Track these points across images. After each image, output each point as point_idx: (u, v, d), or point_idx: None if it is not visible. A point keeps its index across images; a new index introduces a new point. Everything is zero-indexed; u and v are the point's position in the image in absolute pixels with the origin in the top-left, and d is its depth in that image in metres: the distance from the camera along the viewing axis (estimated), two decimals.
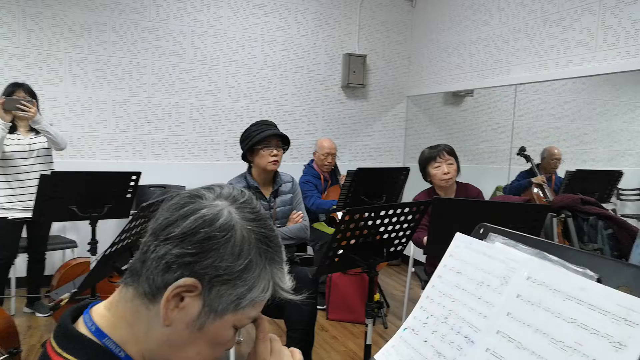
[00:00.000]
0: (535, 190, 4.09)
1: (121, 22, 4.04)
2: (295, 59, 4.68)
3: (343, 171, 3.93)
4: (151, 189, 4.08)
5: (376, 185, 3.47)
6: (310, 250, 4.15)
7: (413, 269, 3.36)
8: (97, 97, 4.04)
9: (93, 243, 2.76)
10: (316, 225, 3.87)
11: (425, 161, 2.83)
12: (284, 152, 2.55)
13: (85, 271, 2.83)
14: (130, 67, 4.11)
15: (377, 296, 3.58)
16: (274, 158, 2.48)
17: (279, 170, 2.62)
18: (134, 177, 2.74)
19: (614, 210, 4.32)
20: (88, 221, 2.72)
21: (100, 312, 0.75)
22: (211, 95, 4.40)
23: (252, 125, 2.54)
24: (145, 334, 0.72)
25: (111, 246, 1.90)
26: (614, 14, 2.89)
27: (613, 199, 4.54)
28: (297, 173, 3.87)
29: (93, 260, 2.72)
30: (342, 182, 3.67)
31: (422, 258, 3.02)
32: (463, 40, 4.28)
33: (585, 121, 5.34)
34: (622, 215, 4.50)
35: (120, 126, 4.14)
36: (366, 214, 1.94)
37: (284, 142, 2.54)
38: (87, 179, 2.67)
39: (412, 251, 3.36)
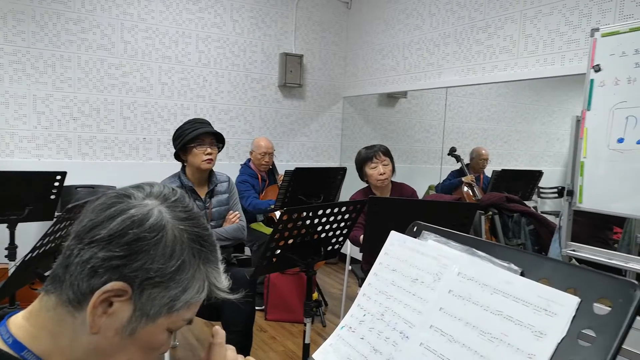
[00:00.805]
0: (465, 189, 4.29)
1: (42, 12, 3.79)
2: (231, 57, 4.61)
3: (281, 171, 3.92)
4: (78, 189, 3.86)
5: (314, 184, 3.49)
6: (248, 251, 4.11)
7: (350, 267, 3.41)
8: (14, 91, 3.76)
9: (11, 248, 2.57)
10: (254, 225, 3.83)
11: (362, 161, 2.89)
12: (219, 151, 2.50)
13: (3, 278, 2.63)
14: (53, 60, 3.87)
15: (315, 295, 3.60)
16: (208, 157, 2.42)
17: (214, 169, 2.57)
18: (58, 177, 2.58)
19: (535, 207, 4.61)
20: (6, 225, 2.53)
21: (18, 322, 0.70)
22: (143, 92, 4.23)
23: (185, 123, 2.48)
24: (70, 343, 0.68)
25: (32, 251, 1.78)
26: (533, 24, 3.09)
27: (534, 197, 4.85)
28: (233, 172, 3.81)
29: (12, 266, 2.54)
30: (280, 182, 3.66)
31: (359, 256, 3.07)
32: (397, 43, 4.40)
33: (509, 123, 5.66)
34: (542, 212, 4.81)
35: (43, 123, 3.88)
36: (304, 214, 1.95)
37: (218, 140, 2.49)
38: (3, 179, 2.48)
39: (349, 249, 3.41)
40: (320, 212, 2.00)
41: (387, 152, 2.88)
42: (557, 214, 3.59)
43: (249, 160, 4.01)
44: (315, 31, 5.01)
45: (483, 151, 4.58)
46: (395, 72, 4.44)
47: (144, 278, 0.66)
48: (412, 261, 0.95)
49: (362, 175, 2.92)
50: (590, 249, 2.51)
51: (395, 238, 1.03)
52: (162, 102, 4.32)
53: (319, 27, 5.02)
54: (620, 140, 2.25)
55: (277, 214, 3.51)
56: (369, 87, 4.82)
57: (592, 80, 2.36)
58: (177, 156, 2.49)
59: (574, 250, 2.51)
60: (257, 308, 3.59)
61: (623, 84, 2.23)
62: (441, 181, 4.54)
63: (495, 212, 3.63)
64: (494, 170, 4.23)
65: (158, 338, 0.71)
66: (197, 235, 0.72)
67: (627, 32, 2.22)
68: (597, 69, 2.34)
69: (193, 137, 2.38)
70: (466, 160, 4.52)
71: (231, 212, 2.58)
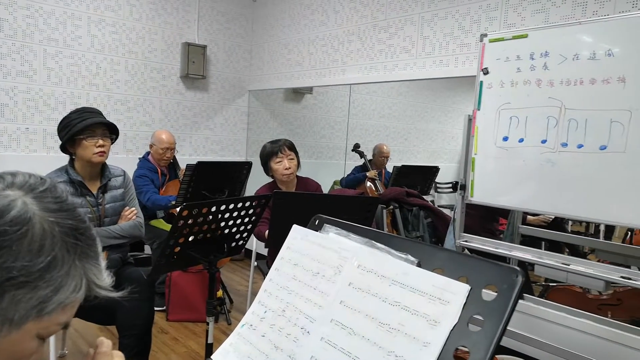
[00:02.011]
0: (369, 184, 4.42)
1: None
2: (128, 43, 4.33)
3: (183, 165, 3.76)
4: None
5: (218, 179, 3.40)
6: (148, 250, 3.89)
7: (256, 263, 3.37)
8: None
9: None
10: (154, 222, 3.64)
11: (267, 156, 2.86)
12: (112, 143, 2.33)
13: None
14: None
15: (220, 293, 3.51)
16: (100, 149, 2.24)
17: (108, 163, 2.38)
18: None
19: (432, 201, 4.89)
20: None
21: None
22: (25, 76, 3.83)
23: (72, 112, 2.26)
24: None
25: None
26: (430, 27, 3.26)
27: (432, 191, 5.14)
28: (131, 166, 3.59)
29: None
30: (182, 177, 3.51)
31: (265, 252, 3.04)
32: (302, 38, 4.41)
33: (409, 121, 5.94)
34: (439, 206, 5.12)
35: None
36: (205, 209, 1.87)
37: (111, 131, 2.31)
38: None
39: (255, 245, 3.36)
40: (223, 207, 1.94)
41: (292, 147, 2.87)
42: (452, 207, 3.83)
43: (147, 153, 3.79)
44: (219, 22, 4.86)
45: (385, 148, 4.75)
46: (301, 67, 4.45)
47: (4, 278, 0.58)
48: (313, 255, 0.95)
49: (267, 169, 2.89)
50: (480, 239, 2.70)
51: (297, 232, 1.02)
52: (49, 89, 3.94)
53: (223, 18, 4.89)
54: (505, 139, 2.44)
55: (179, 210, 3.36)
56: (275, 81, 4.79)
57: (481, 82, 2.53)
58: (64, 148, 2.28)
59: (466, 241, 2.69)
60: (157, 309, 3.42)
61: (507, 87, 2.42)
62: (345, 176, 4.65)
63: (396, 206, 3.78)
64: (394, 166, 4.42)
65: (25, 347, 0.62)
66: (72, 228, 0.64)
67: (511, 39, 2.41)
68: (486, 71, 2.52)
69: (82, 127, 2.19)
70: (369, 156, 4.67)
71: (127, 208, 2.41)
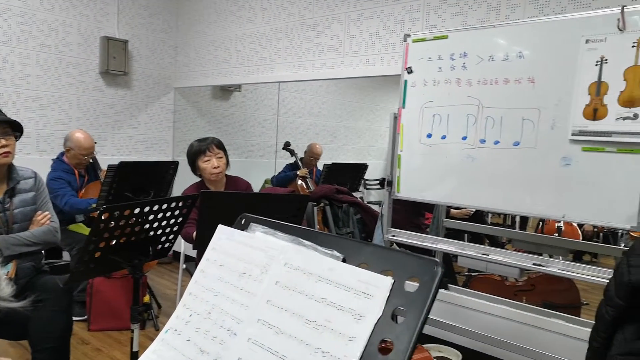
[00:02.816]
0: (300, 182, 4.43)
1: None
2: (40, 36, 4.03)
3: (104, 165, 3.56)
4: None
5: (143, 180, 3.26)
6: (67, 256, 3.65)
7: (184, 266, 3.27)
8: None
9: None
10: (72, 227, 3.42)
11: (195, 155, 2.77)
12: (16, 140, 2.15)
13: None
14: None
15: (146, 298, 3.36)
16: (4, 149, 2.07)
17: (15, 164, 2.20)
18: None
19: (361, 198, 4.99)
20: None
21: None
22: None
23: None
24: None
25: None
26: (356, 26, 3.32)
27: (361, 188, 5.25)
28: (45, 168, 3.34)
29: None
30: (103, 178, 3.32)
31: (194, 254, 2.95)
32: (229, 35, 4.33)
33: (338, 120, 6.03)
34: (368, 202, 5.24)
35: None
36: (128, 211, 1.78)
37: (14, 129, 2.14)
38: None
39: (183, 247, 3.26)
40: (147, 208, 1.85)
41: (220, 145, 2.81)
42: (380, 203, 3.93)
43: (62, 154, 3.54)
44: (141, 16, 4.66)
45: (317, 147, 4.79)
46: (228, 64, 4.37)
47: None
48: (240, 255, 0.93)
49: (195, 169, 2.81)
50: (407, 233, 2.79)
51: (222, 232, 0.99)
52: None
53: (146, 12, 4.69)
54: (429, 136, 2.54)
55: None
56: (202, 78, 4.67)
57: (405, 81, 2.62)
58: None
59: (394, 236, 2.77)
60: (77, 319, 3.22)
61: (430, 86, 2.52)
62: (276, 174, 4.63)
63: (327, 203, 3.82)
64: (325, 164, 4.46)
65: None
66: None
67: (432, 40, 2.51)
68: (410, 71, 2.60)
69: None
70: (300, 154, 4.69)
71: (39, 212, 2.24)
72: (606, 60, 1.96)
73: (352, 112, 6.20)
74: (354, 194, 4.22)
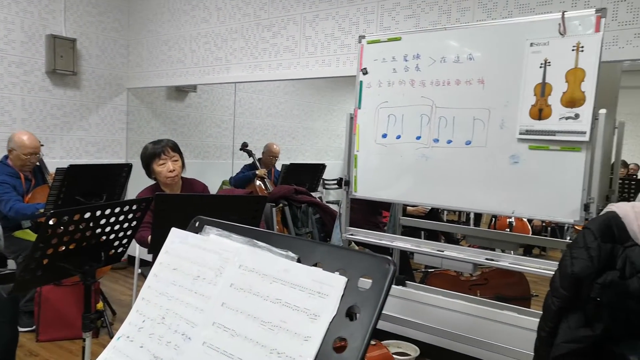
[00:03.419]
0: (258, 182, 4.41)
1: None
2: None
3: (52, 168, 3.42)
4: None
5: (94, 183, 3.15)
6: (12, 265, 3.48)
7: (140, 271, 3.19)
8: None
9: None
10: (18, 233, 3.27)
11: (149, 158, 2.70)
12: None
13: None
14: None
15: (100, 305, 3.26)
16: None
17: None
18: None
19: (320, 197, 5.01)
20: None
21: None
22: None
23: None
24: None
25: None
26: (312, 27, 3.33)
27: (320, 188, 5.27)
28: None
29: None
30: (51, 182, 3.19)
31: (149, 258, 2.88)
32: (183, 34, 4.25)
33: (295, 120, 6.04)
34: (327, 202, 5.27)
35: None
36: (78, 216, 1.72)
37: None
38: None
39: (138, 251, 3.18)
40: (98, 213, 1.80)
41: (175, 148, 2.75)
42: (338, 202, 3.95)
43: (5, 157, 3.38)
44: (90, 14, 4.50)
45: (274, 147, 4.77)
46: (183, 64, 4.29)
47: None
48: (194, 258, 0.91)
49: (150, 172, 2.74)
50: (365, 232, 2.83)
51: (176, 235, 0.98)
52: None
53: (95, 10, 4.53)
54: (384, 136, 2.58)
55: None
56: (155, 79, 4.56)
57: (361, 82, 2.65)
58: None
59: (352, 235, 2.80)
60: (24, 329, 3.08)
61: (385, 87, 2.56)
62: (234, 175, 4.58)
63: (285, 203, 3.81)
64: (283, 164, 4.45)
65: None
66: None
67: (386, 41, 2.55)
68: (365, 72, 2.64)
69: None
70: (258, 155, 4.66)
71: None
72: (549, 62, 2.06)
73: (310, 112, 6.22)
74: (313, 194, 4.23)
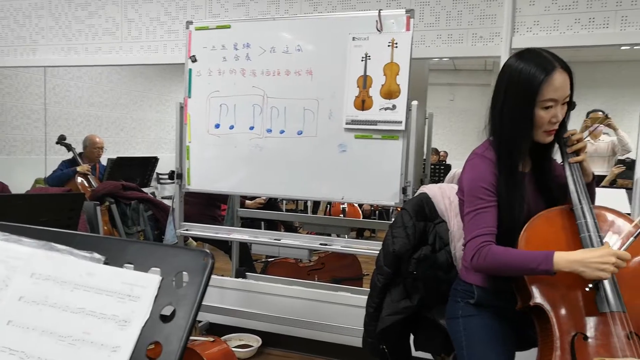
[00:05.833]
0: (80, 179, 3.95)
1: None
2: None
3: None
4: None
5: None
6: None
7: None
8: None
9: None
10: None
11: None
12: None
13: None
14: None
15: None
16: None
17: None
18: None
19: (153, 193, 4.71)
20: None
21: None
22: None
23: None
24: None
25: None
26: (135, 9, 3.07)
27: (154, 183, 4.95)
28: None
29: None
30: None
31: None
32: None
33: (124, 110, 5.57)
34: (162, 198, 4.98)
35: None
36: None
37: None
38: None
39: None
40: None
41: None
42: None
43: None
44: None
45: (97, 139, 4.31)
46: None
47: None
48: None
49: None
50: (201, 226, 2.72)
51: None
52: None
53: None
54: (217, 126, 2.50)
55: None
56: None
57: (190, 70, 2.53)
58: None
59: (187, 230, 2.67)
60: None
61: (215, 75, 2.48)
62: (51, 173, 4.03)
63: (112, 201, 3.50)
64: (109, 159, 4.06)
65: None
66: None
67: (215, 28, 2.47)
68: (194, 59, 2.52)
69: None
70: (79, 149, 4.17)
71: None
72: (369, 56, 2.20)
73: (140, 102, 5.80)
74: (145, 189, 3.95)
